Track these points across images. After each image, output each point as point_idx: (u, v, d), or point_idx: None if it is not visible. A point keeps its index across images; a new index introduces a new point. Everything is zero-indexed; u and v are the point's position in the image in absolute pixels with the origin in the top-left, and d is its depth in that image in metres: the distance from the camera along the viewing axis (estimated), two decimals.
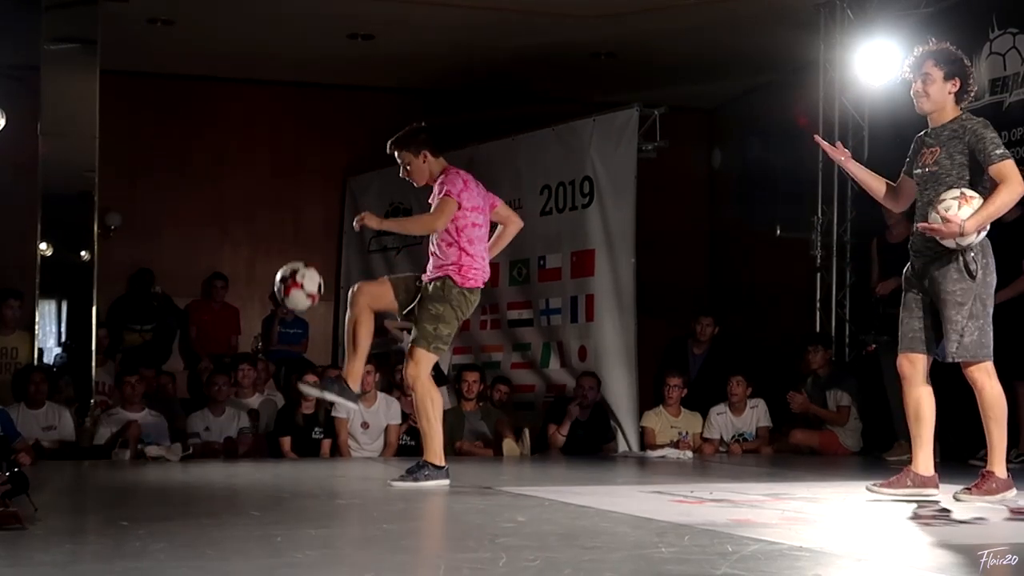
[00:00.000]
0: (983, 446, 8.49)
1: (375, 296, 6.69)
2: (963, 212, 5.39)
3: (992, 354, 5.61)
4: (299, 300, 6.83)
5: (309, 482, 7.23)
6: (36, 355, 10.16)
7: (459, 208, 6.57)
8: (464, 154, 11.28)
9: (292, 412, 9.72)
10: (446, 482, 6.55)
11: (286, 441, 9.58)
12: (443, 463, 6.64)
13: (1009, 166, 5.49)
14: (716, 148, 13.36)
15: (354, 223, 6.63)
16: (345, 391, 6.61)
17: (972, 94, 5.74)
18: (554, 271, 10.83)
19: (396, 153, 6.73)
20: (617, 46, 11.52)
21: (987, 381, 5.60)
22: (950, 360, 5.60)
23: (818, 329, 10.71)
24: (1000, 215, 5.54)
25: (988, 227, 5.54)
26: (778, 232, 10.92)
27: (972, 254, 5.52)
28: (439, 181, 6.66)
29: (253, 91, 12.69)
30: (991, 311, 5.61)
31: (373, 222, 6.62)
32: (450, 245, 6.60)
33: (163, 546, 4.08)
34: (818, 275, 10.83)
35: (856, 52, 10.08)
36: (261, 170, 12.73)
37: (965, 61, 5.71)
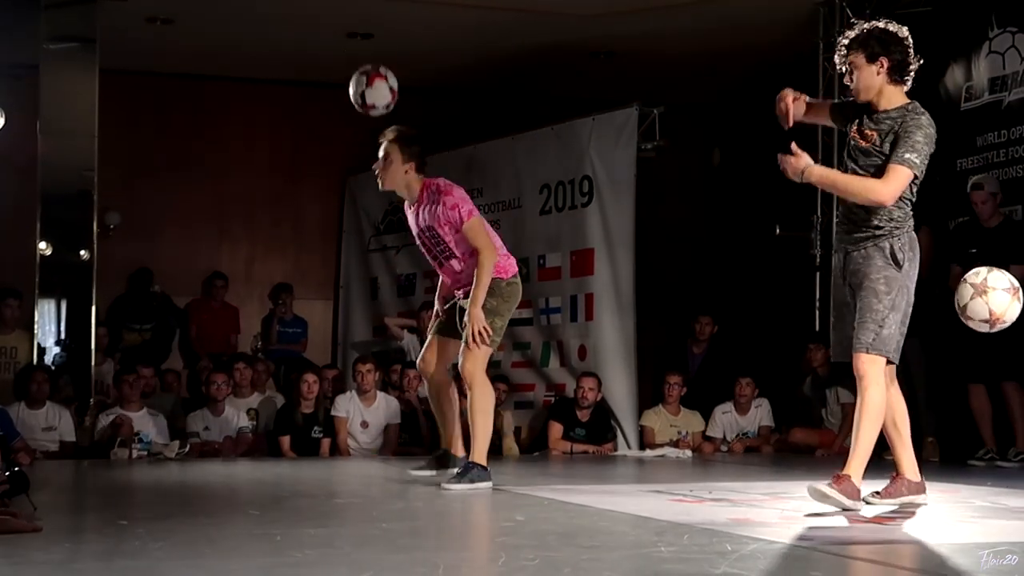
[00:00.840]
0: (982, 446, 8.57)
1: (434, 357, 6.68)
2: (1012, 309, 5.06)
3: (897, 358, 5.20)
4: (382, 92, 6.46)
5: (308, 481, 7.23)
6: (37, 354, 10.15)
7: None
8: (463, 153, 11.29)
9: (291, 411, 9.73)
10: (490, 484, 6.30)
11: (285, 440, 9.58)
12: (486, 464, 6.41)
13: (903, 173, 5.11)
14: (716, 148, 13.35)
15: (471, 338, 6.37)
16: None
17: (912, 70, 5.27)
18: (554, 270, 10.82)
19: (387, 144, 6.60)
20: (616, 46, 11.51)
21: (879, 382, 5.13)
22: (864, 352, 5.10)
23: (817, 328, 10.70)
24: (843, 196, 5.32)
25: (912, 222, 5.23)
26: (778, 231, 10.91)
27: (900, 243, 5.19)
28: (438, 199, 6.50)
29: (253, 91, 12.68)
30: (909, 312, 5.20)
31: (478, 317, 6.36)
32: (472, 254, 6.49)
33: (162, 545, 4.08)
34: (817, 274, 10.82)
35: None
36: (261, 169, 12.73)
37: (892, 32, 5.24)
